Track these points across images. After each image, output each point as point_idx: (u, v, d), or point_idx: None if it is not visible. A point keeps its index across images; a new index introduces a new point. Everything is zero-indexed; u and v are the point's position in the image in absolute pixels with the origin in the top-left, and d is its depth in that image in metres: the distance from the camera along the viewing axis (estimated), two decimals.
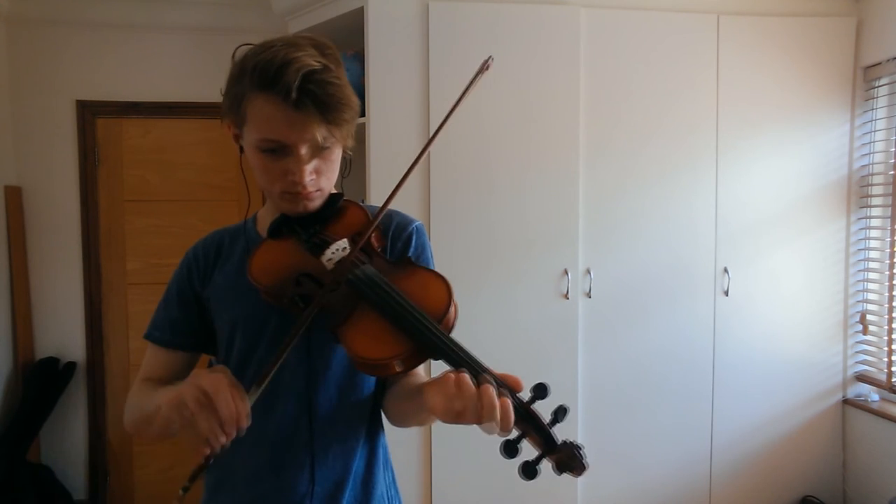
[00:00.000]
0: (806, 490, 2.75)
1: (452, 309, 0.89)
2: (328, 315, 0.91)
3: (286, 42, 0.92)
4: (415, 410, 0.96)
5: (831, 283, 2.71)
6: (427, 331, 0.84)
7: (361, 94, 2.44)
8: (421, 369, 1.00)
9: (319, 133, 0.92)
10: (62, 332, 3.09)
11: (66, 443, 3.09)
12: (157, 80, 3.09)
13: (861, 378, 2.75)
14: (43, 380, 2.96)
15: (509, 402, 0.78)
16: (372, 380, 1.08)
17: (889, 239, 2.62)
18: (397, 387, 1.04)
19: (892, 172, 2.61)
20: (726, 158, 2.60)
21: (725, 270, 2.61)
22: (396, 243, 1.08)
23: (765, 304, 2.66)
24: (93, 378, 3.11)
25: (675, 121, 2.55)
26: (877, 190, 2.68)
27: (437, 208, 2.41)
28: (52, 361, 3.01)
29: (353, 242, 0.97)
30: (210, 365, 1.12)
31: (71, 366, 3.05)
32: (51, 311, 3.07)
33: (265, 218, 1.10)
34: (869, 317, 2.72)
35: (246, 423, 0.84)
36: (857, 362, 2.76)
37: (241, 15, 3.05)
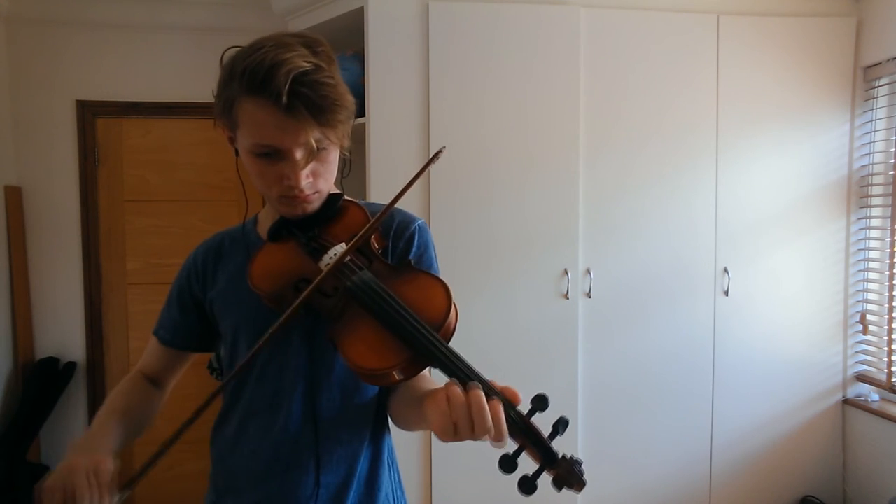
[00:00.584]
0: (806, 490, 2.75)
1: (452, 316, 0.86)
2: (326, 322, 0.90)
3: (275, 43, 0.89)
4: (417, 420, 0.94)
5: (831, 283, 2.72)
6: (425, 339, 0.81)
7: (361, 94, 2.44)
8: (427, 373, 0.98)
9: (313, 136, 0.90)
10: (62, 332, 3.08)
11: (66, 443, 3.08)
12: (157, 80, 3.09)
13: (861, 378, 2.74)
14: (43, 380, 2.96)
15: (500, 405, 0.75)
16: None
17: (889, 239, 2.62)
18: (402, 391, 1.03)
19: (892, 172, 2.61)
20: (726, 158, 2.60)
21: (725, 270, 2.61)
22: (398, 243, 1.05)
23: (765, 304, 2.66)
24: (93, 378, 3.11)
25: (675, 121, 2.55)
26: (877, 190, 2.68)
27: (437, 208, 2.41)
28: (52, 361, 3.01)
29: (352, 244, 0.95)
30: (210, 366, 1.12)
31: (71, 366, 3.05)
32: (51, 311, 3.07)
33: (266, 220, 1.10)
34: (869, 317, 2.72)
35: None
36: (857, 362, 2.76)
37: (241, 15, 3.05)
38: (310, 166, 0.94)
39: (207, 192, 3.14)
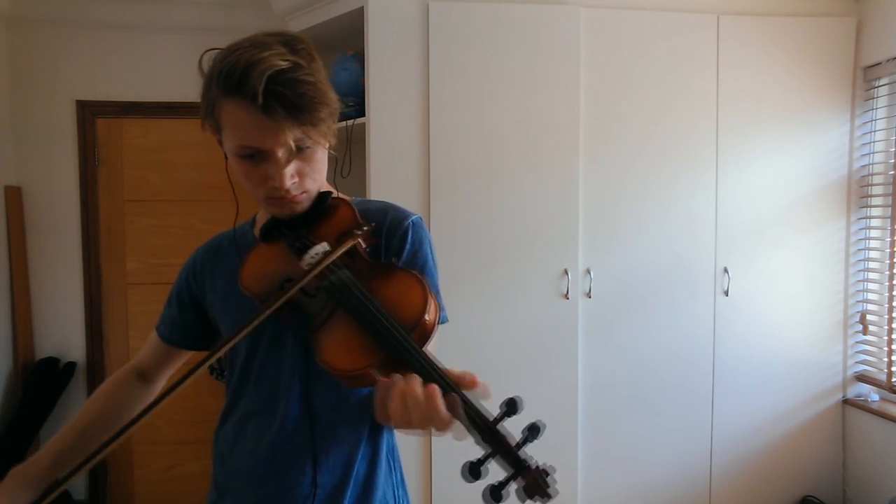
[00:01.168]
0: (806, 490, 2.75)
1: (429, 315, 0.85)
2: (308, 321, 0.90)
3: (252, 43, 0.88)
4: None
5: (831, 283, 2.71)
6: (395, 340, 0.80)
7: (361, 94, 2.44)
8: None
9: (294, 135, 0.88)
10: (62, 332, 3.08)
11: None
12: (157, 80, 3.08)
13: (861, 378, 2.74)
14: (43, 380, 2.96)
15: (436, 388, 0.75)
16: None
17: (889, 239, 2.62)
18: None
19: (892, 172, 2.61)
20: (726, 158, 2.60)
21: (725, 270, 2.61)
22: (392, 240, 1.03)
23: (765, 304, 2.66)
24: (93, 378, 3.11)
25: (675, 121, 2.55)
26: (877, 190, 2.68)
27: (437, 208, 2.41)
28: (52, 361, 3.01)
29: (337, 243, 0.94)
30: (210, 366, 1.13)
31: (71, 366, 3.05)
32: (51, 311, 3.07)
33: (262, 220, 1.09)
34: (869, 317, 2.72)
35: None
36: (857, 362, 2.76)
37: (241, 15, 3.05)
38: (294, 166, 0.93)
39: (207, 192, 3.14)
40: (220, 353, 0.87)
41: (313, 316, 0.90)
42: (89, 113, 3.07)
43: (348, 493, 1.03)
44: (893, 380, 2.59)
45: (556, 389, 2.51)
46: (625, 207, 2.54)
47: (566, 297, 2.50)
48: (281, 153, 0.90)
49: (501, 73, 2.42)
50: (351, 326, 0.85)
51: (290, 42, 0.90)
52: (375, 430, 1.08)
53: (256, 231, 1.11)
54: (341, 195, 1.06)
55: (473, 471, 0.74)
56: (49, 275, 3.07)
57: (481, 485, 0.76)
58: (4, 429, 2.86)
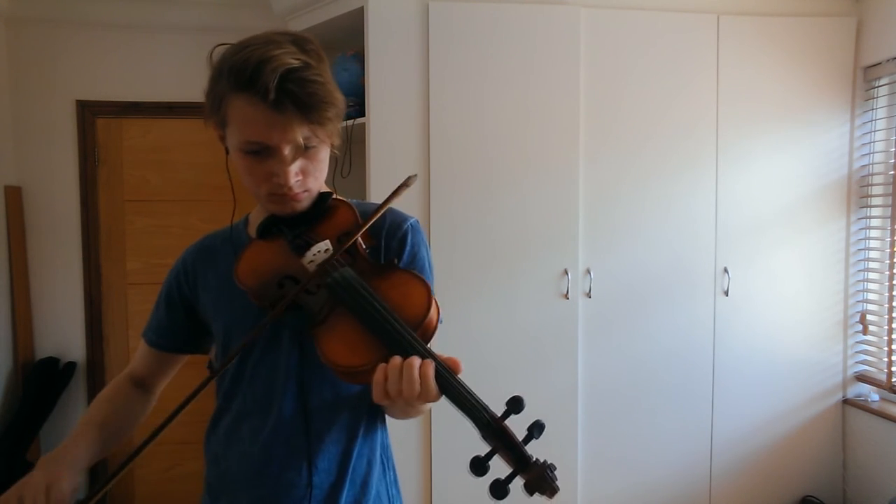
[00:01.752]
0: (806, 490, 2.75)
1: (432, 314, 0.86)
2: (308, 318, 0.90)
3: (264, 40, 0.89)
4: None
5: (831, 283, 2.71)
6: (402, 338, 0.81)
7: (361, 94, 2.44)
8: None
9: (301, 133, 0.90)
10: (62, 332, 3.08)
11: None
12: (157, 80, 3.08)
13: (861, 378, 2.74)
14: (43, 380, 2.96)
15: (431, 362, 0.79)
16: None
17: (889, 239, 2.62)
18: None
19: (892, 172, 2.61)
20: (726, 158, 2.60)
21: (725, 270, 2.61)
22: (391, 242, 1.04)
23: (765, 304, 2.66)
24: (93, 378, 3.11)
25: (675, 121, 2.55)
26: (877, 190, 2.68)
27: (436, 208, 2.41)
28: (52, 361, 3.01)
29: (338, 243, 0.95)
30: (209, 366, 1.12)
31: (71, 366, 3.05)
32: (51, 311, 3.07)
33: (257, 219, 1.09)
34: (869, 317, 2.72)
35: None
36: (857, 362, 2.76)
37: (241, 15, 3.05)
38: (299, 164, 0.93)
39: (207, 192, 3.14)
40: (234, 358, 0.88)
41: (313, 314, 0.90)
42: (89, 113, 3.07)
43: (344, 493, 1.03)
44: (893, 380, 2.59)
45: (556, 389, 2.50)
46: (625, 207, 2.54)
47: (566, 297, 2.50)
48: (287, 150, 0.91)
49: (501, 73, 2.42)
50: (352, 324, 0.85)
51: (300, 42, 0.91)
52: (371, 430, 1.08)
53: (251, 230, 1.11)
54: (340, 197, 1.07)
55: (479, 466, 0.75)
56: (49, 275, 3.07)
57: (481, 483, 0.76)
58: (4, 429, 2.86)
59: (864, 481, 2.68)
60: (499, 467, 0.77)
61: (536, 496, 0.75)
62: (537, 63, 2.44)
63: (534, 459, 0.76)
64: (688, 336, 2.61)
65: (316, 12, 2.58)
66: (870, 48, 2.64)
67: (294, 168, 0.93)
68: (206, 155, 3.14)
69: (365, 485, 1.06)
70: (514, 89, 2.43)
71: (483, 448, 0.77)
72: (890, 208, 2.62)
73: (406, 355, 0.80)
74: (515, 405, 0.77)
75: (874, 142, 2.67)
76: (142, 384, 1.19)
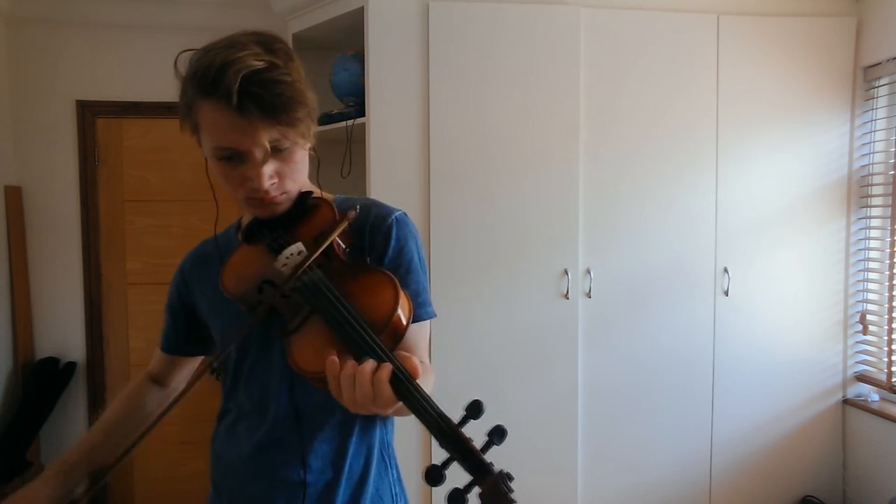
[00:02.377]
0: (806, 490, 2.75)
1: (399, 314, 0.84)
2: (282, 323, 0.89)
3: (227, 43, 0.88)
4: None
5: (831, 283, 2.71)
6: (363, 341, 0.80)
7: (361, 94, 2.44)
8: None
9: (270, 136, 0.88)
10: (62, 332, 3.08)
11: (66, 443, 3.08)
12: (157, 80, 3.08)
13: (861, 378, 2.74)
14: (43, 380, 2.96)
15: (371, 368, 0.76)
16: None
17: (889, 239, 2.62)
18: None
19: (892, 172, 2.61)
20: (726, 158, 2.60)
21: (725, 270, 2.61)
22: (376, 237, 1.01)
23: (765, 304, 2.65)
24: (93, 378, 3.11)
25: (675, 121, 2.55)
26: (877, 190, 2.68)
27: (436, 208, 2.41)
28: (52, 361, 3.01)
29: (313, 244, 0.93)
30: (212, 369, 1.11)
31: (71, 366, 3.05)
32: (51, 311, 3.07)
33: (246, 222, 1.09)
34: (869, 317, 2.72)
35: None
36: (857, 362, 2.76)
37: (241, 15, 3.04)
38: (272, 167, 0.92)
39: (207, 192, 3.10)
40: (217, 362, 0.88)
41: (289, 318, 0.89)
42: (89, 113, 3.07)
43: (340, 492, 1.03)
44: (893, 380, 2.59)
45: (556, 389, 2.50)
46: (625, 207, 2.54)
47: (566, 297, 2.49)
48: (258, 154, 0.90)
49: (501, 73, 2.42)
50: (322, 328, 0.84)
51: (266, 42, 0.89)
52: (367, 428, 1.07)
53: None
54: (324, 194, 1.06)
55: (435, 475, 0.72)
56: (49, 275, 3.07)
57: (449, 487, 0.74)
58: (4, 429, 2.86)
59: (864, 481, 2.68)
60: (460, 475, 0.74)
61: None
62: (537, 63, 2.43)
63: (489, 469, 0.72)
64: (688, 336, 2.61)
65: (316, 12, 2.58)
66: (870, 48, 2.64)
67: (267, 171, 0.91)
68: None
69: (362, 483, 1.06)
70: (514, 89, 2.42)
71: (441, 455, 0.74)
72: (890, 208, 2.62)
73: (363, 359, 0.79)
74: (475, 410, 0.74)
75: (874, 142, 2.67)
76: (160, 382, 1.25)
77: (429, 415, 0.76)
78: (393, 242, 1.00)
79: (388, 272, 0.90)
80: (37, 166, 3.03)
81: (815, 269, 2.69)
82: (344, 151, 2.48)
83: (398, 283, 0.87)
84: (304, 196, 1.01)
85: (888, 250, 2.63)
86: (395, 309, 0.83)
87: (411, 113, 2.40)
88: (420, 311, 0.99)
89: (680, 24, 2.53)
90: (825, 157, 2.67)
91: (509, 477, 0.72)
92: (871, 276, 2.73)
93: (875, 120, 2.66)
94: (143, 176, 3.13)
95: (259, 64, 0.85)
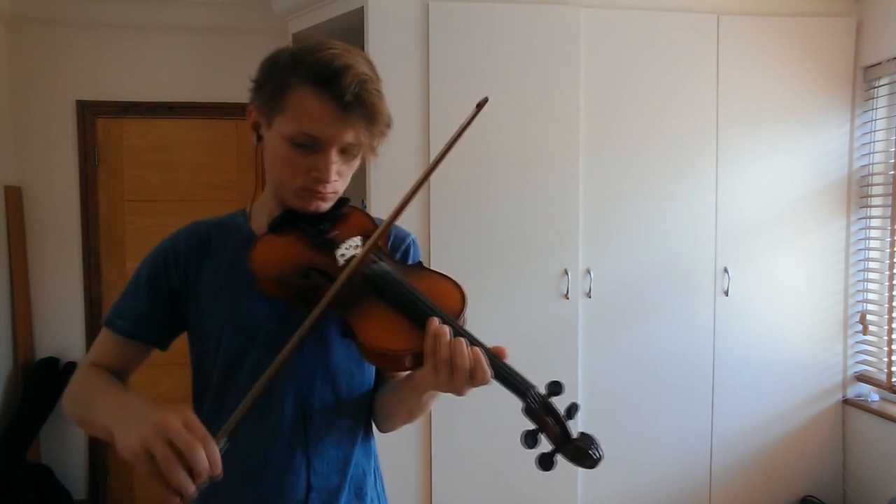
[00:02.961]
0: (806, 490, 2.75)
1: (466, 312, 0.94)
2: (338, 310, 0.92)
3: (345, 48, 0.97)
4: (408, 392, 1.00)
5: (831, 283, 2.71)
6: (450, 325, 0.88)
7: None
8: None
9: (357, 138, 0.96)
10: (62, 332, 3.08)
11: (66, 443, 3.09)
12: (157, 80, 3.09)
13: (861, 378, 2.74)
14: (43, 380, 2.96)
15: (479, 351, 0.87)
16: (370, 381, 1.08)
17: (889, 239, 2.62)
18: (390, 383, 1.07)
19: (892, 172, 2.61)
20: (726, 158, 2.60)
21: (725, 270, 2.61)
22: (395, 254, 1.11)
23: (765, 304, 2.65)
24: None
25: (675, 121, 2.55)
26: (877, 190, 2.68)
27: (436, 208, 2.41)
28: (52, 361, 3.01)
29: (365, 241, 1.00)
30: (197, 366, 1.07)
31: (71, 366, 3.05)
32: (51, 311, 3.07)
33: (260, 214, 1.07)
34: (869, 317, 2.72)
35: (219, 474, 0.76)
36: (857, 362, 2.76)
37: (241, 15, 3.05)
38: (339, 165, 0.98)
39: (207, 192, 3.14)
40: (290, 353, 0.86)
41: (338, 305, 0.92)
42: (89, 113, 3.07)
43: (343, 497, 1.02)
44: (893, 380, 2.59)
45: None
46: (625, 207, 2.54)
47: (566, 297, 2.49)
48: (337, 149, 0.96)
49: (501, 73, 2.42)
50: (387, 312, 0.91)
51: (369, 60, 1.01)
52: (367, 437, 1.08)
53: (253, 224, 1.08)
54: (353, 205, 1.13)
55: (529, 439, 0.85)
56: (49, 275, 3.07)
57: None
58: (4, 429, 2.86)
59: (864, 481, 2.68)
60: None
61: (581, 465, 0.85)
62: (537, 63, 2.43)
63: (577, 433, 0.87)
64: (688, 336, 2.61)
65: (316, 12, 2.58)
66: (870, 48, 2.64)
67: (335, 167, 0.97)
68: (205, 155, 3.14)
69: (361, 490, 1.06)
70: (514, 89, 2.42)
71: (526, 424, 0.87)
72: (890, 208, 2.62)
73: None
74: (556, 387, 0.90)
75: (874, 142, 2.67)
76: (116, 375, 1.05)
77: (526, 387, 0.88)
78: (410, 261, 1.12)
79: (447, 275, 1.00)
80: (37, 166, 3.03)
81: (815, 269, 2.69)
82: None
83: (462, 287, 0.98)
84: (343, 201, 1.07)
85: (888, 250, 2.63)
86: (464, 303, 0.96)
87: (411, 113, 2.40)
88: None
89: (680, 24, 2.53)
90: (825, 157, 2.67)
91: (593, 439, 0.87)
92: (871, 276, 2.73)
93: (875, 120, 2.66)
94: (143, 176, 3.13)
95: (370, 75, 0.97)
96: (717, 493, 2.68)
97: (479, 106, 1.01)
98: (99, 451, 3.14)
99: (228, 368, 1.01)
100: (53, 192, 3.05)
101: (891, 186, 2.61)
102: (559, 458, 0.84)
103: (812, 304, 2.70)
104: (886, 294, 2.63)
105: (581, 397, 2.54)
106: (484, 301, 2.45)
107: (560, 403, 0.89)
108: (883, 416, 2.58)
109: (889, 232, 2.62)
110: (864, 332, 2.73)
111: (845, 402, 2.75)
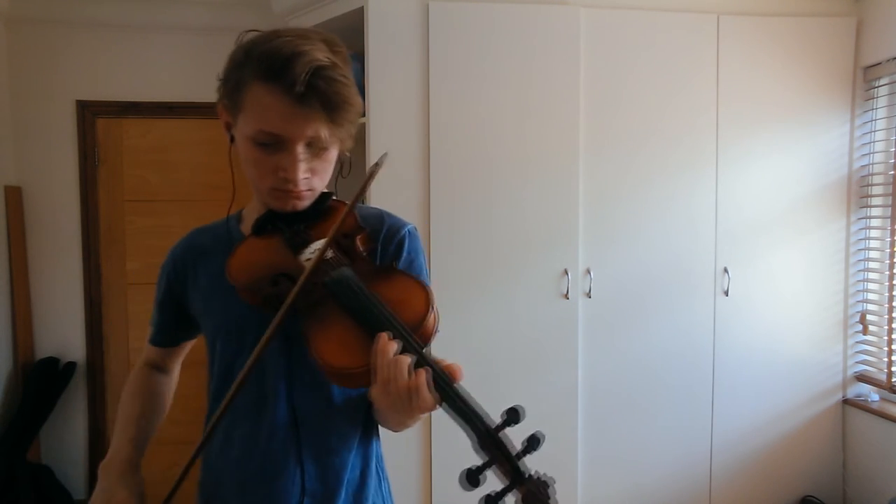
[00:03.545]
0: (806, 490, 2.75)
1: (431, 318, 0.84)
2: (301, 317, 0.87)
3: (296, 33, 0.88)
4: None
5: (831, 283, 2.71)
6: (400, 339, 0.79)
7: (361, 94, 2.43)
8: None
9: (320, 131, 0.89)
10: (62, 332, 3.08)
11: (66, 443, 3.09)
12: (157, 80, 3.09)
13: (861, 378, 2.74)
14: (43, 380, 2.96)
15: (425, 373, 0.77)
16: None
17: (889, 239, 2.62)
18: None
19: (892, 172, 2.61)
20: (726, 158, 2.60)
21: (725, 270, 2.61)
22: (388, 247, 1.03)
23: (765, 304, 2.65)
24: (93, 378, 3.11)
25: (675, 121, 2.55)
26: (877, 190, 2.68)
27: (436, 208, 2.41)
28: (52, 361, 3.01)
29: (335, 243, 0.92)
30: (209, 373, 1.08)
31: (71, 366, 3.05)
32: (51, 311, 3.07)
33: (250, 216, 1.06)
34: (869, 317, 2.72)
35: None
36: (857, 362, 2.76)
37: (241, 15, 3.05)
38: (308, 162, 0.93)
39: (207, 192, 3.14)
40: (257, 355, 0.84)
41: (303, 312, 0.87)
42: (89, 113, 3.07)
43: (340, 502, 1.00)
44: (893, 380, 2.59)
45: (556, 390, 2.50)
46: (625, 207, 2.54)
47: (566, 297, 2.49)
48: (301, 146, 0.90)
49: (501, 73, 2.42)
50: (347, 324, 0.83)
51: (329, 42, 0.91)
52: (366, 440, 1.05)
53: (244, 227, 1.08)
54: (338, 199, 1.05)
55: (471, 478, 0.72)
56: (49, 275, 3.07)
57: (481, 487, 0.74)
58: (5, 429, 2.86)
59: (864, 481, 2.68)
60: (491, 481, 0.74)
61: None
62: (537, 63, 2.43)
63: (527, 475, 0.72)
64: (688, 336, 2.61)
65: (316, 12, 2.58)
66: (870, 48, 2.64)
67: (303, 165, 0.91)
68: (205, 155, 3.14)
69: (360, 494, 1.03)
70: (513, 89, 2.42)
71: (477, 460, 0.74)
72: (890, 208, 2.62)
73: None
74: (513, 415, 0.73)
75: (874, 142, 2.67)
76: (160, 369, 1.22)
77: (473, 417, 0.75)
78: (405, 254, 1.03)
79: (418, 277, 0.91)
80: (37, 166, 3.03)
81: (815, 269, 2.69)
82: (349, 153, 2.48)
83: (430, 290, 0.87)
84: (325, 196, 1.01)
85: (888, 250, 2.63)
86: (427, 310, 0.84)
87: (411, 113, 2.40)
88: None
89: (680, 24, 2.53)
90: (825, 158, 2.67)
91: (549, 483, 0.71)
92: (871, 276, 2.73)
93: (875, 120, 2.66)
94: (143, 176, 3.13)
95: (326, 60, 0.86)
96: (717, 493, 2.68)
97: (378, 165, 0.90)
98: (99, 451, 3.14)
99: (224, 373, 1.02)
100: (53, 192, 3.05)
101: (891, 186, 2.61)
102: (507, 502, 0.72)
103: (812, 304, 2.70)
104: (886, 294, 2.63)
105: (581, 397, 2.53)
106: (484, 301, 2.45)
107: (522, 432, 0.74)
108: (883, 416, 2.58)
109: (889, 232, 2.62)
110: (864, 332, 2.73)
111: (845, 402, 2.74)
